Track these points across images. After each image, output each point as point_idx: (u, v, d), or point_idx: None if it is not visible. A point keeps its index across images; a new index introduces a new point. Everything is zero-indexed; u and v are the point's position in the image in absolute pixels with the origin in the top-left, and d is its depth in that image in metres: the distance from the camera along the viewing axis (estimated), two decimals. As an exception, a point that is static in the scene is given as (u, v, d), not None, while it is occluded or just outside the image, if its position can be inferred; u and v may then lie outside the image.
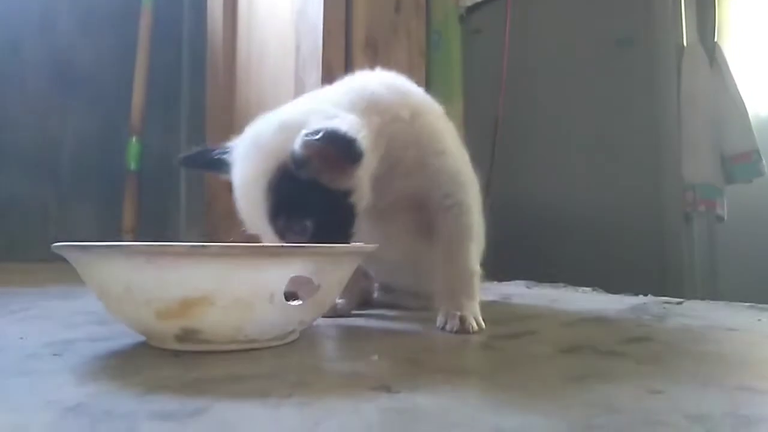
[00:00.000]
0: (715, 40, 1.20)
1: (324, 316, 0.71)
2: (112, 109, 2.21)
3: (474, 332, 0.65)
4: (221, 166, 0.68)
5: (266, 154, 0.63)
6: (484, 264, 0.87)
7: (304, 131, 0.59)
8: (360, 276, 0.83)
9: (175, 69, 2.39)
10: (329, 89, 0.74)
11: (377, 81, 0.73)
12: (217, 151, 0.69)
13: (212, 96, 2.04)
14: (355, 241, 0.77)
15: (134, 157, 2.10)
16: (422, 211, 0.73)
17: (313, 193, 0.62)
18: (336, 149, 0.59)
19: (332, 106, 0.66)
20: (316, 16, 1.48)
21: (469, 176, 0.75)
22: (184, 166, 0.73)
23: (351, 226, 0.66)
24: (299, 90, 1.51)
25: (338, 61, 1.48)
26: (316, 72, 1.46)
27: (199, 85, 2.21)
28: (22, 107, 2.08)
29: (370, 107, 0.68)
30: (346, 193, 0.64)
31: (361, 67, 1.51)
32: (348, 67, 1.48)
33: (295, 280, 0.53)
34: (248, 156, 0.64)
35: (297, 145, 0.59)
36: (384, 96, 0.69)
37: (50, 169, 2.12)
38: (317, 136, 0.58)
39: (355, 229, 0.67)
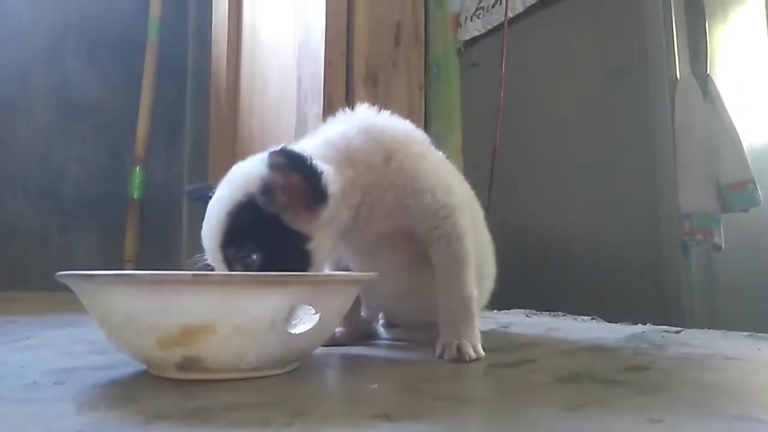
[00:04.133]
0: (708, 72, 1.23)
1: (323, 345, 0.71)
2: (116, 139, 2.24)
3: (471, 360, 0.65)
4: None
5: (235, 185, 0.65)
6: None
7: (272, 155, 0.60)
8: (360, 306, 0.83)
9: (179, 100, 2.43)
10: (308, 141, 0.74)
11: (354, 129, 0.71)
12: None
13: (215, 127, 2.07)
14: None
15: (137, 186, 2.12)
16: (415, 241, 0.73)
17: (270, 229, 0.62)
18: (301, 178, 0.60)
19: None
20: (318, 49, 1.52)
21: (456, 206, 0.72)
22: (188, 198, 0.75)
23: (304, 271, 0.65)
24: (301, 121, 1.53)
25: (339, 92, 1.52)
26: (318, 103, 1.49)
27: (202, 116, 2.24)
28: (27, 136, 2.11)
29: (344, 160, 0.68)
30: (304, 238, 0.64)
31: (362, 98, 1.54)
32: (349, 99, 1.51)
33: None
34: (220, 187, 0.66)
35: (264, 166, 0.61)
36: (357, 146, 0.69)
37: (53, 197, 2.14)
38: (284, 158, 0.59)
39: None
